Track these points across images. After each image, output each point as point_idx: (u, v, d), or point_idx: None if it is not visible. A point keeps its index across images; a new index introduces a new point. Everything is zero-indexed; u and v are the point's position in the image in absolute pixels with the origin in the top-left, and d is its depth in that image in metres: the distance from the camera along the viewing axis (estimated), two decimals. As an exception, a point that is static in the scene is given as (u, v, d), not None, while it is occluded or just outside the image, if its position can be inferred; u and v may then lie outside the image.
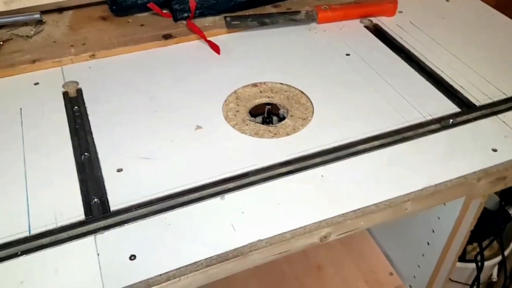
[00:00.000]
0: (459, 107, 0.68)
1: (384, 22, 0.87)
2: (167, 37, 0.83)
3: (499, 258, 1.10)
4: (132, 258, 0.49)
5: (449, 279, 0.85)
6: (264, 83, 0.74)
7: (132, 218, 0.53)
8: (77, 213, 0.53)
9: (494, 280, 1.17)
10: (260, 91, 0.73)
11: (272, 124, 0.70)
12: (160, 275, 0.47)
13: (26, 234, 0.51)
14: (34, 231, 0.51)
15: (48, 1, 0.87)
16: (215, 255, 0.49)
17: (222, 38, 0.84)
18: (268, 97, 0.72)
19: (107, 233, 0.51)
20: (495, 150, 0.61)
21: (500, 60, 0.78)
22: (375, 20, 0.88)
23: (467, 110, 0.67)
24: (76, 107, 0.69)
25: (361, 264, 0.88)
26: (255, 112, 0.72)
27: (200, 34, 0.82)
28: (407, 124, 0.65)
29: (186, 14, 0.85)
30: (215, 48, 0.80)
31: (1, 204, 0.54)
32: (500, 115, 0.67)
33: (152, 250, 0.50)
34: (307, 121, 0.67)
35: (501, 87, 0.72)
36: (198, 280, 0.50)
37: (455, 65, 0.76)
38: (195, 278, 0.49)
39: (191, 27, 0.84)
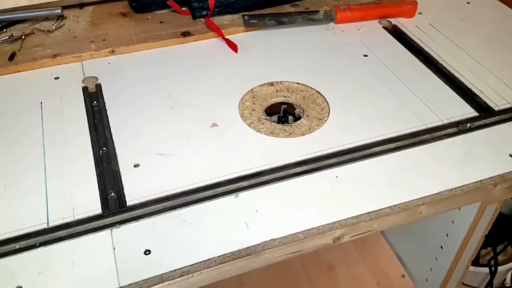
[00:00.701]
0: (477, 111, 0.67)
1: (403, 23, 0.87)
2: (185, 34, 0.83)
3: (513, 263, 1.08)
4: (147, 253, 0.49)
5: (462, 283, 0.85)
6: (281, 82, 0.74)
7: (148, 213, 0.54)
8: (95, 207, 0.54)
9: (507, 285, 1.16)
10: (277, 90, 0.73)
11: (288, 123, 0.70)
12: (174, 270, 0.48)
13: (45, 226, 0.52)
14: (52, 224, 0.52)
15: (70, -4, 0.89)
16: (228, 253, 0.50)
17: (240, 37, 0.84)
18: (284, 97, 0.72)
19: (123, 228, 0.52)
20: (512, 156, 0.61)
21: (520, 64, 0.77)
22: (394, 21, 0.87)
23: (485, 115, 0.67)
24: (95, 102, 0.70)
25: (373, 265, 0.87)
26: (271, 111, 0.72)
27: (218, 32, 0.83)
28: (424, 127, 0.65)
29: (204, 12, 0.86)
30: (233, 46, 0.81)
31: (21, 196, 0.56)
32: (519, 121, 0.66)
33: (167, 246, 0.50)
34: (323, 122, 0.67)
35: (521, 92, 0.71)
36: (211, 277, 0.50)
37: (474, 68, 0.75)
38: (208, 274, 0.49)
39: (209, 25, 0.84)
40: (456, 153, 0.61)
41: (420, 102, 0.69)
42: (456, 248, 0.71)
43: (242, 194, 0.56)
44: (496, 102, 0.69)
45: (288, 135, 0.65)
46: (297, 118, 0.71)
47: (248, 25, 0.85)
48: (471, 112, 0.67)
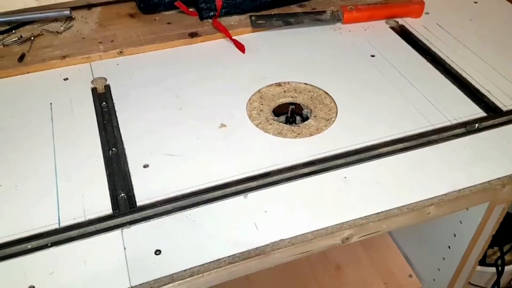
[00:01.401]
0: (485, 112, 0.67)
1: (410, 23, 0.87)
2: (193, 35, 0.84)
3: (520, 263, 1.08)
4: (157, 253, 0.50)
5: (469, 282, 0.85)
6: (288, 82, 0.75)
7: (158, 213, 0.54)
8: (105, 207, 0.55)
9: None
10: (284, 91, 0.74)
11: (295, 124, 0.70)
12: (184, 270, 0.49)
13: (56, 226, 0.53)
14: (63, 224, 0.53)
15: (78, -3, 0.90)
16: (238, 253, 0.50)
17: (247, 37, 0.84)
18: (292, 97, 0.73)
19: (134, 228, 0.53)
20: (521, 156, 0.61)
21: (529, 64, 0.77)
22: (401, 21, 0.87)
23: (493, 115, 0.67)
24: (104, 103, 0.70)
25: (380, 265, 0.88)
26: (278, 111, 0.72)
27: (225, 33, 0.83)
28: (431, 128, 0.65)
29: (212, 13, 0.86)
30: (240, 47, 0.81)
31: (33, 197, 0.56)
32: (527, 121, 0.66)
33: (177, 246, 0.51)
34: (330, 122, 0.67)
35: (529, 92, 0.71)
36: (221, 277, 0.51)
37: (482, 68, 0.75)
38: (218, 274, 0.50)
39: (216, 26, 0.84)
40: (464, 154, 0.61)
41: (427, 103, 0.69)
42: (463, 248, 0.71)
43: (251, 195, 0.56)
44: (504, 103, 0.69)
45: (296, 136, 0.65)
46: (304, 119, 0.71)
47: (255, 26, 0.85)
48: (479, 113, 0.67)
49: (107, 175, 0.59)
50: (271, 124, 0.67)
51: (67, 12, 0.85)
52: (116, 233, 0.52)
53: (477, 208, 0.67)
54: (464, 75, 0.74)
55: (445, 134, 0.64)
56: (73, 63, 0.78)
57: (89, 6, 0.92)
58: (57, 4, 0.88)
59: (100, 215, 0.54)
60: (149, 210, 0.55)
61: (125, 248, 0.50)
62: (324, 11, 0.87)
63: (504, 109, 0.68)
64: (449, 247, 0.74)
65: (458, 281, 0.78)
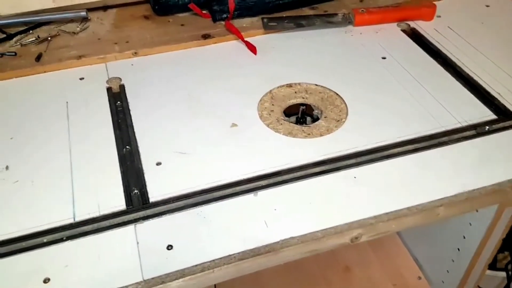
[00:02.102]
0: (496, 114, 0.67)
1: (422, 26, 0.87)
2: (206, 37, 0.85)
3: (531, 269, 1.07)
4: (169, 248, 0.51)
5: (478, 286, 0.85)
6: (299, 83, 0.75)
7: (170, 210, 0.55)
8: (119, 203, 0.56)
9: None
10: (295, 92, 0.74)
11: (306, 124, 0.71)
12: (195, 265, 0.50)
13: (71, 221, 0.54)
14: (78, 218, 0.54)
15: (94, -1, 0.91)
16: (248, 250, 0.51)
17: (259, 39, 0.85)
18: (303, 98, 0.73)
19: (146, 223, 0.54)
20: (531, 159, 0.61)
21: (540, 68, 0.77)
22: (412, 24, 0.88)
23: (504, 118, 0.67)
24: (118, 102, 0.72)
25: (389, 266, 0.88)
26: (289, 112, 0.73)
27: (238, 34, 0.84)
28: (442, 130, 0.65)
29: (225, 15, 0.88)
30: (252, 48, 0.82)
31: (49, 193, 0.58)
32: (538, 124, 0.66)
33: (188, 241, 0.52)
34: (341, 123, 0.68)
35: (540, 95, 0.71)
36: (231, 273, 0.51)
37: (493, 71, 0.76)
38: (228, 270, 0.51)
39: (229, 28, 0.86)
40: (474, 156, 0.62)
41: (438, 105, 0.69)
42: (473, 251, 0.71)
43: (261, 193, 0.57)
44: (515, 105, 0.69)
45: (306, 136, 0.66)
46: (315, 119, 0.72)
47: (267, 28, 0.86)
48: (489, 115, 0.67)
49: (121, 172, 0.60)
50: (281, 124, 0.68)
51: (83, 13, 0.87)
52: (130, 228, 0.53)
53: (487, 210, 0.67)
54: (475, 77, 0.74)
55: (455, 136, 0.64)
56: (89, 63, 0.80)
57: (105, 8, 0.94)
58: (74, 6, 0.90)
59: (114, 211, 0.55)
60: (162, 207, 0.56)
61: (138, 243, 0.51)
62: (336, 14, 0.88)
63: (515, 111, 0.68)
64: (458, 249, 0.75)
65: (467, 284, 0.78)
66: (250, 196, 0.57)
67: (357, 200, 0.56)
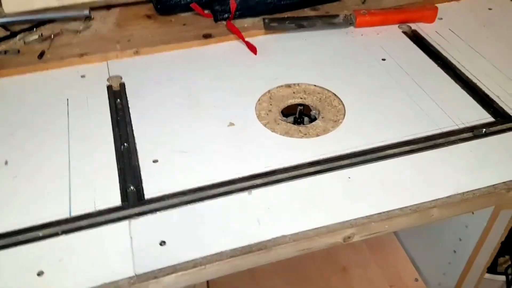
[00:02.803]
0: (494, 117, 0.67)
1: (423, 28, 0.87)
2: (207, 36, 0.86)
3: (532, 273, 1.07)
4: (162, 244, 0.52)
5: (477, 289, 0.84)
6: (298, 84, 0.76)
7: (164, 206, 0.56)
8: (115, 199, 0.57)
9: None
10: (293, 92, 0.75)
11: (303, 124, 0.72)
12: (187, 261, 0.50)
13: (67, 216, 0.55)
14: (74, 214, 0.55)
15: (98, -2, 0.92)
16: (239, 247, 0.51)
17: (260, 39, 0.86)
18: (301, 98, 0.74)
19: (141, 219, 0.54)
20: (527, 162, 0.61)
21: (541, 71, 0.76)
22: (414, 26, 0.88)
23: (502, 120, 0.67)
24: (118, 100, 0.73)
25: (386, 268, 0.88)
26: (287, 112, 0.74)
27: (238, 34, 0.85)
28: (439, 131, 0.65)
29: (226, 15, 0.88)
30: (252, 48, 0.83)
31: (46, 188, 0.59)
32: (536, 127, 0.66)
33: (181, 238, 0.52)
34: (338, 123, 0.68)
35: (540, 99, 0.70)
36: (223, 270, 0.52)
37: (493, 74, 0.75)
38: (220, 267, 0.51)
39: (230, 28, 0.86)
40: (470, 158, 0.62)
41: (436, 107, 0.69)
42: (468, 253, 0.71)
43: (255, 192, 0.58)
44: (513, 108, 0.69)
45: (302, 136, 0.66)
46: (312, 120, 0.72)
47: (268, 28, 0.87)
48: (487, 118, 0.67)
49: (118, 169, 0.61)
50: (278, 124, 0.69)
51: (86, 12, 0.88)
52: (124, 223, 0.54)
53: (483, 213, 0.67)
54: (474, 80, 0.74)
55: (452, 138, 0.64)
56: (91, 61, 0.81)
57: (108, 7, 0.94)
58: (77, 4, 0.91)
59: (110, 206, 0.56)
60: (157, 203, 0.56)
61: (131, 238, 0.52)
62: (337, 15, 0.88)
63: (513, 114, 0.68)
64: (454, 251, 0.74)
65: (464, 286, 0.78)
66: (244, 195, 0.57)
67: (351, 200, 0.57)
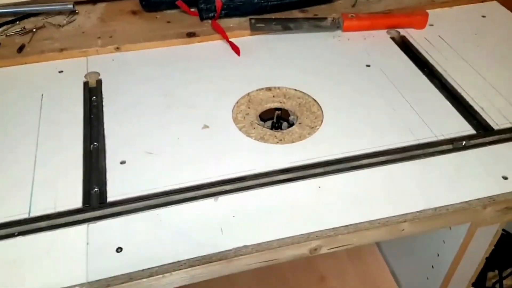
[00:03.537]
0: (475, 129, 0.65)
1: (412, 34, 0.85)
2: (191, 35, 0.84)
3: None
4: (119, 250, 0.50)
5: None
6: (278, 88, 0.74)
7: (127, 210, 0.54)
8: (76, 201, 0.55)
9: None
10: (273, 96, 0.73)
11: (281, 129, 0.70)
12: (143, 270, 0.49)
13: (26, 216, 0.54)
14: (33, 214, 0.54)
15: (83, -8, 0.91)
16: (199, 257, 0.50)
17: (245, 40, 0.84)
18: (280, 102, 0.72)
19: (100, 223, 0.53)
20: (505, 178, 0.58)
21: (530, 83, 0.74)
22: (403, 31, 0.86)
23: (483, 133, 0.65)
24: (94, 97, 0.71)
25: (365, 278, 0.86)
26: (266, 116, 0.72)
27: (222, 34, 0.83)
28: (416, 142, 0.63)
29: (211, 14, 0.86)
30: (236, 49, 0.81)
31: (8, 186, 0.57)
32: (518, 142, 0.64)
33: (140, 245, 0.51)
34: (314, 130, 0.66)
35: (526, 112, 0.68)
36: (182, 279, 0.50)
37: (479, 84, 0.73)
38: (178, 276, 0.50)
39: (215, 27, 0.84)
40: (446, 171, 0.59)
41: (416, 116, 0.67)
42: (446, 269, 0.69)
43: (222, 198, 0.56)
44: (497, 121, 0.66)
45: (277, 142, 0.65)
46: (291, 125, 0.70)
47: (254, 29, 0.85)
48: (468, 130, 0.65)
49: (83, 169, 0.59)
50: (254, 128, 0.67)
51: (70, 6, 0.87)
52: (82, 227, 0.52)
53: (461, 228, 0.65)
54: (459, 90, 0.72)
55: (430, 150, 0.62)
56: (70, 56, 0.79)
57: (95, 1, 0.93)
58: (63, -2, 0.89)
59: (70, 208, 0.55)
60: (119, 207, 0.55)
61: (88, 243, 0.51)
62: (325, 18, 0.86)
63: (496, 127, 0.65)
64: (432, 266, 0.72)
65: (442, 301, 0.76)
66: (210, 201, 0.56)
67: (319, 211, 0.55)
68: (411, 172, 0.59)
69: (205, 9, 0.86)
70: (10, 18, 0.87)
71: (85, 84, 0.74)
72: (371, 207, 0.55)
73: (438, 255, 0.70)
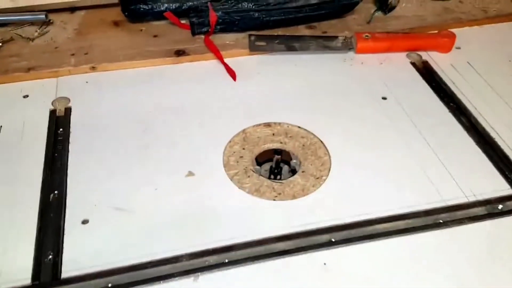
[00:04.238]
0: (514, 188, 0.54)
1: (436, 59, 0.73)
2: (180, 53, 0.73)
3: None
4: None
5: None
6: (280, 123, 0.63)
7: (84, 291, 0.44)
8: (24, 276, 0.45)
9: None
10: (273, 134, 0.62)
11: (279, 178, 0.59)
12: None
13: (-43, 297, 0.43)
14: (-33, 294, 0.43)
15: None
16: None
17: (242, 60, 0.73)
18: (281, 143, 0.61)
19: (48, 311, 0.42)
20: (554, 258, 0.48)
21: None
22: (425, 55, 0.74)
23: (524, 194, 0.54)
24: (61, 129, 0.61)
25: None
26: (263, 158, 0.61)
27: (216, 54, 0.72)
28: (442, 204, 0.52)
29: (205, 29, 0.75)
30: (231, 73, 0.70)
31: None
32: None
33: None
34: (320, 181, 0.55)
35: None
36: None
37: (516, 126, 0.62)
38: None
39: (208, 45, 0.73)
40: (480, 245, 0.49)
41: (442, 168, 0.56)
42: None
43: (203, 277, 0.45)
44: (540, 177, 0.55)
45: (275, 197, 0.54)
46: (292, 170, 0.60)
47: (253, 48, 0.73)
48: (506, 189, 0.54)
49: (37, 229, 0.49)
50: (249, 176, 0.56)
51: (42, 16, 0.75)
52: (26, 315, 0.42)
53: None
54: (492, 134, 0.61)
55: (459, 214, 0.51)
56: (39, 77, 0.69)
57: (73, 9, 0.82)
58: (36, 6, 0.78)
59: (16, 286, 0.44)
60: (74, 285, 0.44)
61: None
62: (336, 37, 0.75)
63: (539, 186, 0.54)
64: None
65: None
66: (188, 281, 0.45)
67: (323, 299, 0.44)
68: (436, 244, 0.48)
69: (197, 23, 0.75)
70: (-25, 28, 0.76)
71: (52, 112, 0.63)
72: (388, 293, 0.44)
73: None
